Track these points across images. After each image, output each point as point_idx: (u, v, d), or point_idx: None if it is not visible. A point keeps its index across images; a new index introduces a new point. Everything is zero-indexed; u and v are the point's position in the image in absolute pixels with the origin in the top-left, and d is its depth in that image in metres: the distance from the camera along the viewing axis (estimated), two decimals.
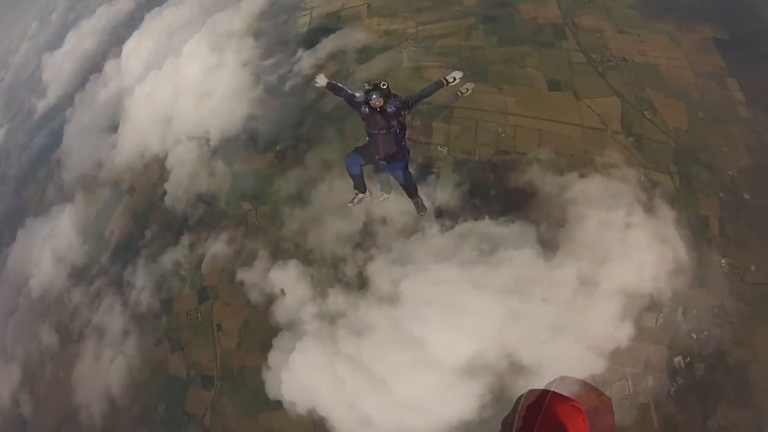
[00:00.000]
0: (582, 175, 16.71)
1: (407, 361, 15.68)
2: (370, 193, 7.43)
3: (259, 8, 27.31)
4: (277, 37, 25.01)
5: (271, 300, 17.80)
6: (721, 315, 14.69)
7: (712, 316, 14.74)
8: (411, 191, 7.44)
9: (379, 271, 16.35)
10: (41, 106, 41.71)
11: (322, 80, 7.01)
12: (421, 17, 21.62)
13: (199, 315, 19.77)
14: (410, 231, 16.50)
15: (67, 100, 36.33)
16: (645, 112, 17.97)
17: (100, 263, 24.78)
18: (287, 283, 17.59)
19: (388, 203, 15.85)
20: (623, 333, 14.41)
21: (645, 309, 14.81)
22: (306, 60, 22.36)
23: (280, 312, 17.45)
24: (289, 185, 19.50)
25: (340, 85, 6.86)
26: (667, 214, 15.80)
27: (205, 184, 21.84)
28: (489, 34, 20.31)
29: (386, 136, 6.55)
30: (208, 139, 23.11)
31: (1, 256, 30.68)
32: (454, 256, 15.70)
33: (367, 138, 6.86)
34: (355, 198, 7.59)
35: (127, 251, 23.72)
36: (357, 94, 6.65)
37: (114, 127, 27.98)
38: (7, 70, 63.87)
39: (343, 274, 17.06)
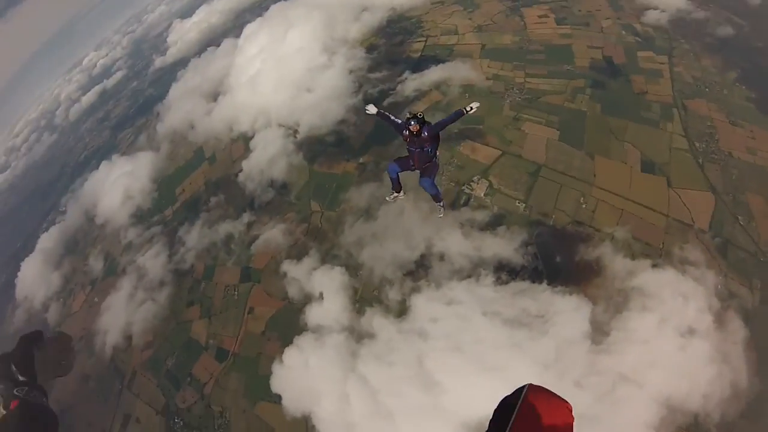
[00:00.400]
0: (655, 265, 15.59)
1: (419, 401, 15.28)
2: (404, 193, 9.25)
3: (378, 23, 28.76)
4: (388, 54, 25.98)
5: (307, 299, 17.93)
6: None
7: None
8: (436, 198, 9.21)
9: (422, 304, 16.01)
10: (159, 62, 47.43)
11: (372, 109, 8.14)
12: (531, 69, 21.61)
13: (236, 293, 20.30)
14: (464, 274, 16.10)
15: (183, 64, 40.39)
16: (739, 217, 16.53)
17: (162, 213, 26.59)
18: (328, 288, 17.66)
19: (452, 244, 16.01)
20: None
21: (684, 428, 13.51)
22: (410, 83, 22.90)
23: (313, 314, 17.50)
24: (360, 197, 19.75)
25: (388, 114, 8.16)
26: (737, 330, 14.34)
27: (280, 173, 22.66)
28: (594, 100, 19.79)
29: (421, 153, 8.24)
30: (296, 131, 24.16)
31: (82, 179, 35.04)
32: (500, 311, 15.11)
33: (407, 153, 8.37)
34: (392, 195, 9.18)
35: (189, 211, 25.14)
36: (399, 121, 8.04)
37: (214, 96, 30.26)
38: (139, 25, 71.97)
39: (386, 296, 16.86)
